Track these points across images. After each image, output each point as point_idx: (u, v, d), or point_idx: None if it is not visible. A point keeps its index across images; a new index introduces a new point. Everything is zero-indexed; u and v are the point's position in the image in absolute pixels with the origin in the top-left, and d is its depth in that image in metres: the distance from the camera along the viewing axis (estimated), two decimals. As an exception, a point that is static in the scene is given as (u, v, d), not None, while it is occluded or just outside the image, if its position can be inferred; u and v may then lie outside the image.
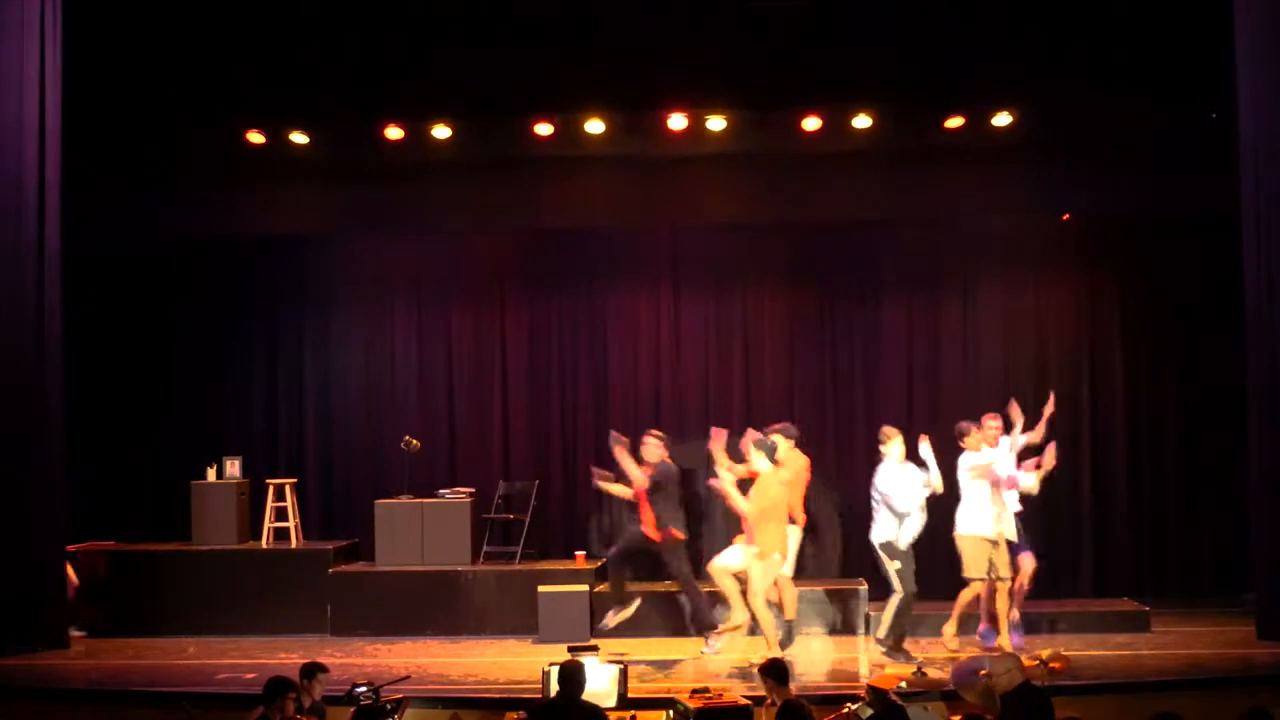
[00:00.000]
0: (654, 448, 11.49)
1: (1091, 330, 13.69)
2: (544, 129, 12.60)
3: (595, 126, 12.53)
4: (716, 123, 12.48)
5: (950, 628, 11.03)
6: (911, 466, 10.91)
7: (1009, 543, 10.94)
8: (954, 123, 12.40)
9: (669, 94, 12.35)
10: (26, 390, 11.40)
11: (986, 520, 10.83)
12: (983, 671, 7.76)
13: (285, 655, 11.13)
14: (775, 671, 7.90)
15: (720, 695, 8.47)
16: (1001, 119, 12.36)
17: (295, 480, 13.39)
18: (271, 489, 13.05)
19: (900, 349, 13.83)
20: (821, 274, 13.97)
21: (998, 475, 10.87)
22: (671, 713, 8.41)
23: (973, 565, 10.84)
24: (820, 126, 12.49)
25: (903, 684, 8.05)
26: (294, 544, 13.04)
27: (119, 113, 12.44)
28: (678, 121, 12.47)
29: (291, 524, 13.05)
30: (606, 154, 12.77)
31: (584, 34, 11.91)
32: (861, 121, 12.42)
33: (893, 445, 10.92)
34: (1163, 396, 13.58)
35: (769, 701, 8.00)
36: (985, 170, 12.70)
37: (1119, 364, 13.62)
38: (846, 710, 7.68)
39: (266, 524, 12.93)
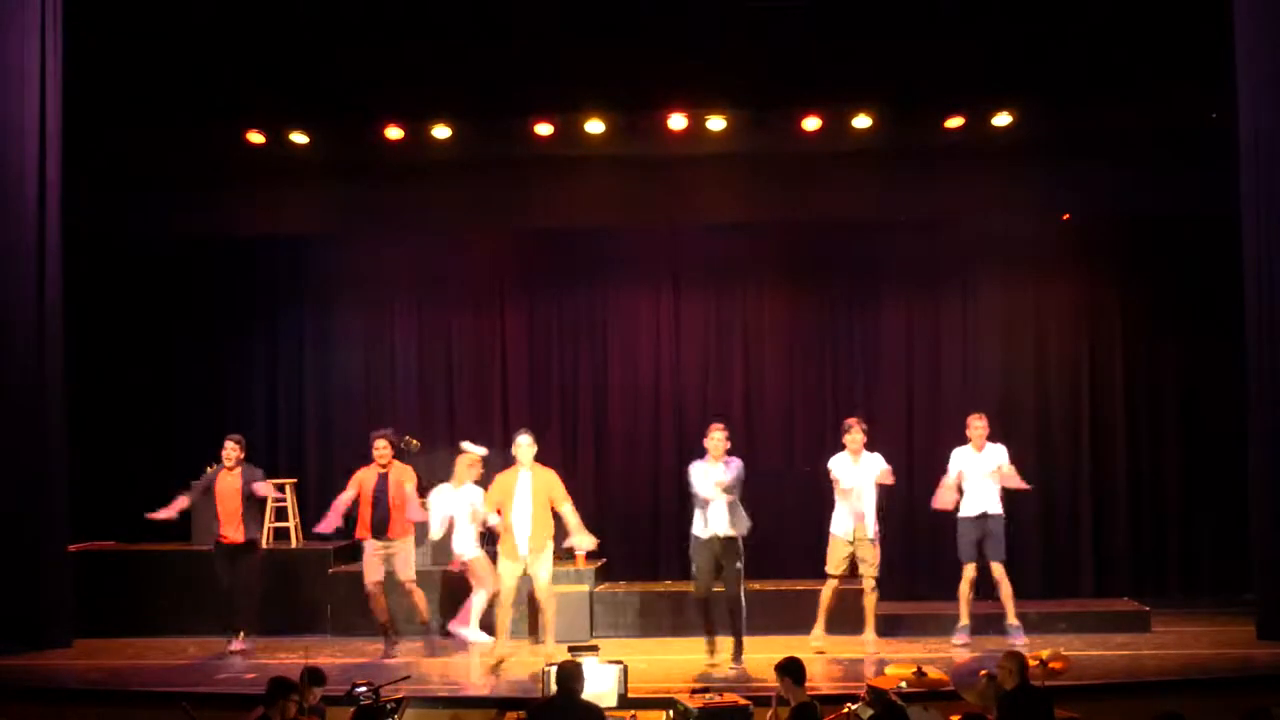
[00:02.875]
0: (231, 451, 11.58)
1: (1091, 330, 13.69)
2: (544, 129, 12.60)
3: (595, 126, 12.53)
4: (716, 123, 12.48)
5: (817, 629, 11.15)
6: (722, 464, 10.75)
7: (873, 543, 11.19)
8: (954, 123, 12.40)
9: (669, 94, 12.35)
10: (27, 390, 11.41)
11: (844, 521, 11.08)
12: (983, 671, 7.76)
13: (285, 655, 11.12)
14: (793, 671, 7.89)
15: (720, 695, 8.48)
16: (1001, 119, 12.36)
17: (295, 480, 13.40)
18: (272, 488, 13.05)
19: (900, 349, 13.83)
20: (821, 274, 13.97)
21: (836, 478, 11.15)
22: (671, 712, 8.41)
23: (830, 562, 11.17)
24: (820, 126, 12.49)
25: (903, 684, 8.04)
26: (294, 544, 13.04)
27: (119, 112, 12.43)
28: (678, 121, 12.47)
29: (291, 524, 13.05)
30: (606, 154, 12.77)
31: (584, 34, 11.90)
32: (861, 121, 12.41)
33: (712, 440, 10.84)
34: (1163, 396, 13.58)
35: (775, 700, 7.99)
36: (985, 170, 12.70)
37: (1119, 364, 13.62)
38: (846, 710, 7.68)
39: (266, 524, 12.91)
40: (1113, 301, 13.70)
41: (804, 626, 11.25)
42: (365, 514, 11.35)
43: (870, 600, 11.13)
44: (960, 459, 11.42)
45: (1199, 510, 13.43)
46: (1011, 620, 11.21)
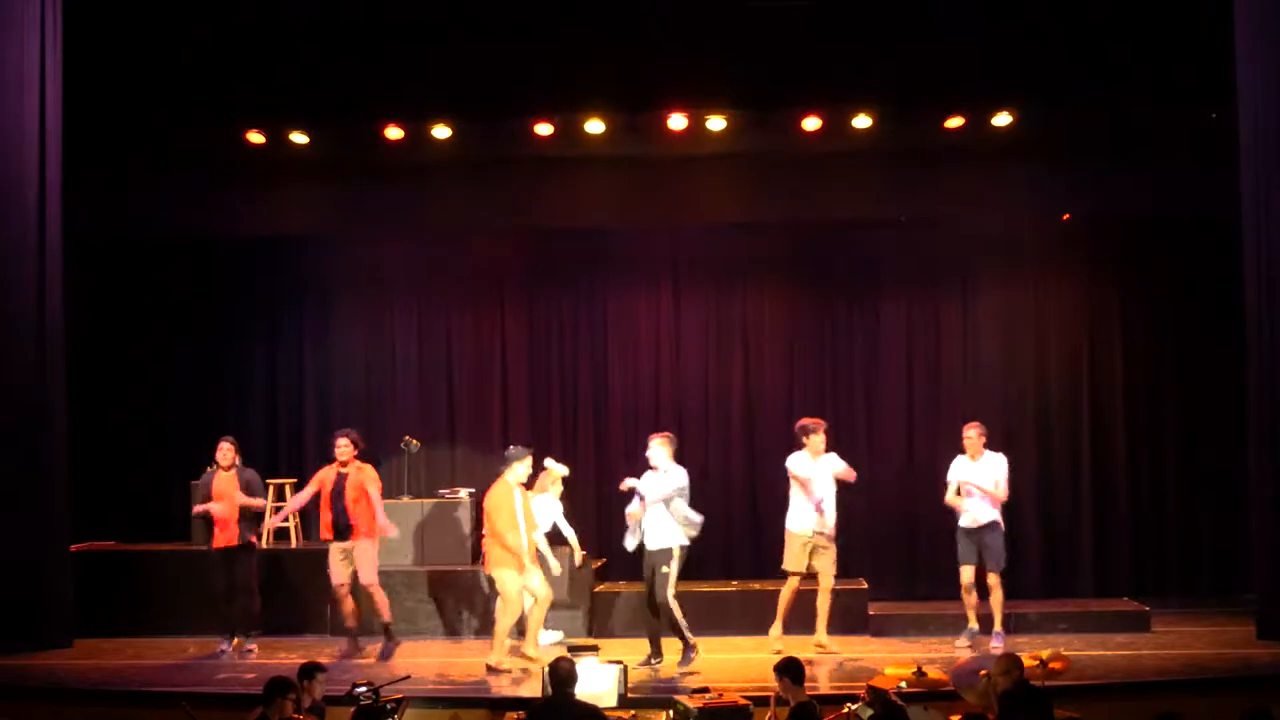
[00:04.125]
0: (227, 452, 11.51)
1: (1091, 330, 13.69)
2: (544, 129, 12.59)
3: (595, 126, 12.52)
4: (716, 123, 12.47)
5: (776, 628, 11.09)
6: (675, 470, 10.74)
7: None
8: (954, 123, 12.39)
9: (669, 94, 12.34)
10: (28, 390, 11.41)
11: (803, 518, 11.08)
12: (983, 671, 7.76)
13: (285, 655, 11.14)
14: (792, 671, 7.90)
15: (720, 695, 8.48)
16: (1001, 119, 12.35)
17: (295, 480, 13.37)
18: (271, 489, 13.04)
19: (900, 349, 13.83)
20: (821, 274, 13.97)
21: (804, 481, 11.10)
22: (671, 712, 8.41)
23: (789, 560, 11.14)
24: (820, 126, 12.48)
25: (903, 684, 8.04)
26: (294, 544, 13.03)
27: (119, 113, 12.43)
28: (678, 121, 12.46)
29: (291, 524, 13.02)
30: (606, 154, 12.77)
31: (584, 34, 11.90)
32: (861, 121, 12.41)
33: (658, 451, 10.77)
34: (1163, 396, 13.58)
35: (774, 700, 7.99)
36: (985, 170, 12.69)
37: (1119, 364, 13.62)
38: (846, 710, 7.68)
39: (266, 524, 12.91)
40: (1113, 301, 13.70)
41: (804, 626, 11.24)
42: (325, 515, 11.30)
43: (826, 601, 11.12)
44: (957, 470, 11.34)
45: (1199, 510, 13.43)
46: (997, 628, 11.14)
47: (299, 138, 12.77)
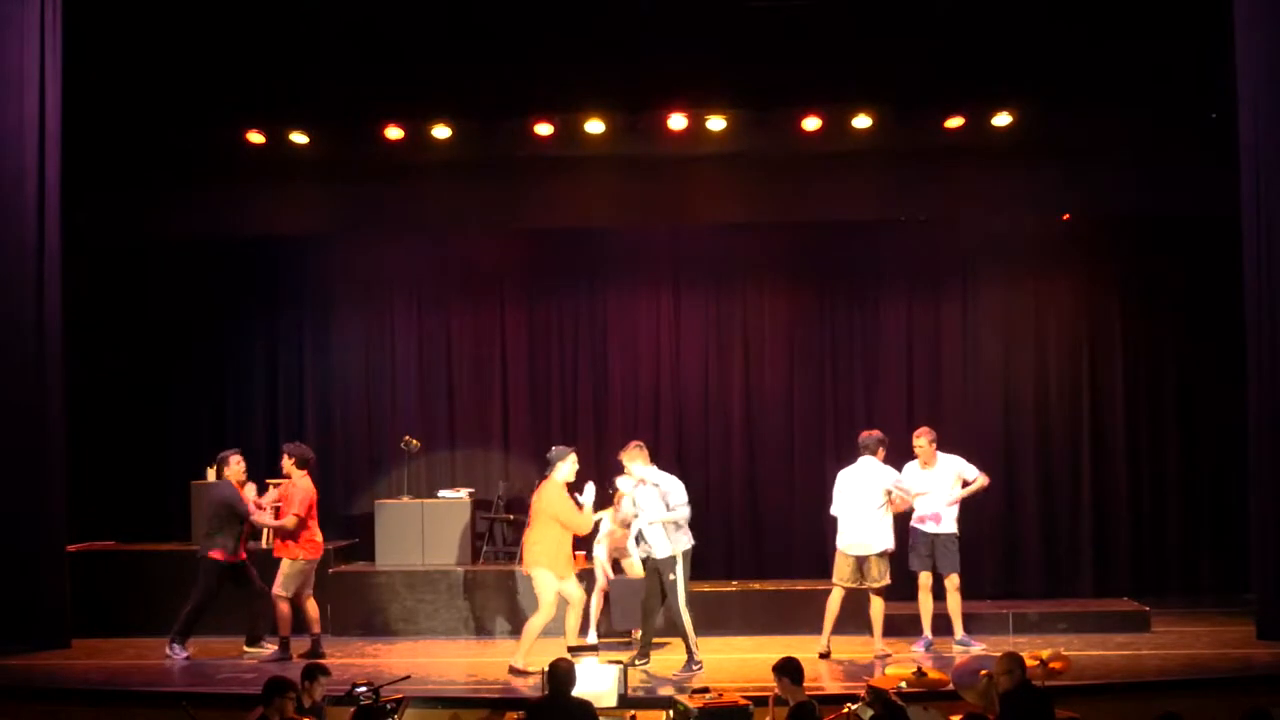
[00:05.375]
0: (240, 464, 11.47)
1: (1091, 330, 13.69)
2: (544, 129, 12.60)
3: (595, 126, 12.53)
4: (716, 123, 12.47)
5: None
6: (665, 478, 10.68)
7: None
8: (954, 123, 12.39)
9: (669, 94, 12.35)
10: (27, 390, 11.40)
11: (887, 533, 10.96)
12: (983, 671, 7.76)
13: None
14: (790, 671, 7.90)
15: (720, 695, 8.48)
16: (1001, 119, 12.36)
17: (295, 481, 13.38)
18: (271, 489, 13.02)
19: (900, 349, 13.83)
20: (821, 274, 13.97)
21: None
22: (671, 713, 8.42)
23: (888, 574, 10.94)
24: (820, 126, 12.49)
25: (903, 684, 8.05)
26: (294, 545, 13.02)
27: (119, 112, 12.43)
28: (678, 121, 12.47)
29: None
30: (606, 154, 12.77)
31: (584, 34, 11.90)
32: (861, 121, 12.41)
33: (635, 463, 10.67)
34: (1162, 396, 13.58)
35: (774, 700, 7.99)
36: (985, 170, 12.70)
37: (1119, 364, 13.62)
38: (846, 710, 7.68)
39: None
40: (1113, 301, 13.70)
41: (807, 627, 11.24)
42: None
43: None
44: (908, 476, 11.23)
45: (1199, 510, 13.44)
46: (959, 635, 11.08)
47: (299, 138, 12.77)
